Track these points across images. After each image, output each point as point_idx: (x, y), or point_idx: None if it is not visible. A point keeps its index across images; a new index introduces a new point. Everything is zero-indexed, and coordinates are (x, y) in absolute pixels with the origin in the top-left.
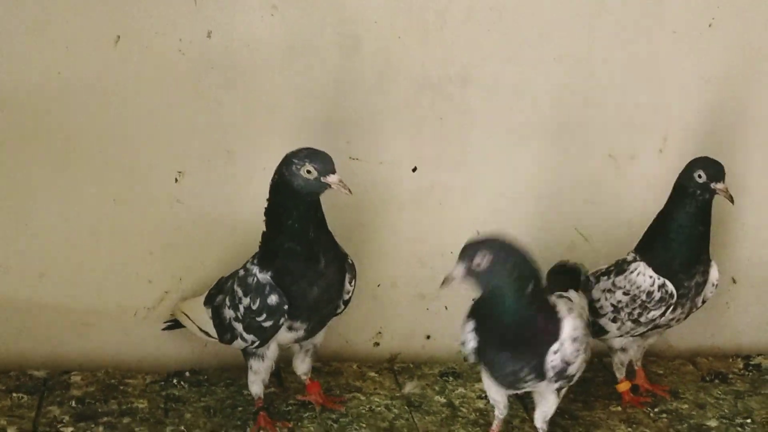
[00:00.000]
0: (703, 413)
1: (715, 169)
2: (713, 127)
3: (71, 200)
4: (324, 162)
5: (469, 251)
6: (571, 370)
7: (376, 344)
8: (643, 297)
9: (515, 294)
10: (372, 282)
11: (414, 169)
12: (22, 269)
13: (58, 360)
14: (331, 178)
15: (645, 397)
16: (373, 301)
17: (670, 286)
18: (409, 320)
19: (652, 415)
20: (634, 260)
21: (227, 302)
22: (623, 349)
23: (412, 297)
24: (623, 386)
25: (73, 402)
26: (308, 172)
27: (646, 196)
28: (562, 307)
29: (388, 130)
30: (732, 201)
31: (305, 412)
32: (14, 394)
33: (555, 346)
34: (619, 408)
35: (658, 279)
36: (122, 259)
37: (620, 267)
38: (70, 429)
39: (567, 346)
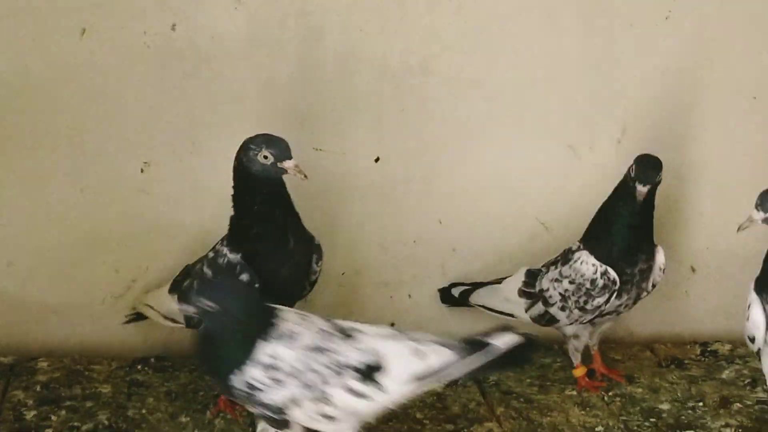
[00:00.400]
0: (656, 397)
1: (644, 170)
2: (670, 118)
3: (39, 190)
4: (280, 147)
5: None
6: None
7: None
8: (587, 285)
9: None
10: (337, 270)
11: (377, 160)
12: None
13: (26, 347)
14: (288, 164)
15: (600, 382)
16: (338, 288)
17: (613, 273)
18: (373, 308)
19: (606, 398)
20: (578, 249)
21: (195, 286)
22: (576, 336)
23: (376, 285)
24: (579, 371)
25: (38, 387)
26: (265, 157)
27: (605, 185)
28: None
29: (351, 120)
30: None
31: None
32: None
33: None
34: (575, 392)
35: (601, 266)
36: (89, 248)
37: (566, 256)
38: (33, 412)
39: None
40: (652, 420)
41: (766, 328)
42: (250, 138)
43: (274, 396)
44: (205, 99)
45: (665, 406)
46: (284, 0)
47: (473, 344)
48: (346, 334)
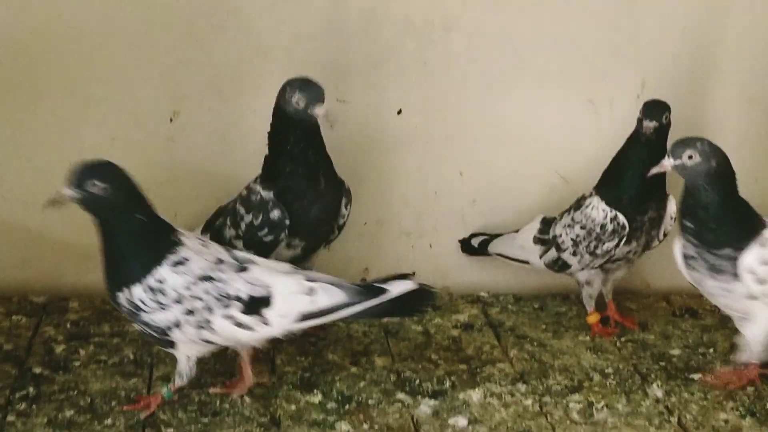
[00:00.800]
0: (668, 343)
1: (650, 107)
2: (689, 74)
3: (72, 137)
4: (312, 93)
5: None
6: None
7: (363, 280)
8: (598, 230)
9: None
10: (359, 220)
11: (399, 112)
12: (27, 202)
13: (58, 288)
14: (317, 110)
15: (614, 329)
16: (360, 238)
17: (622, 218)
18: (394, 257)
19: (618, 344)
20: (591, 195)
21: (228, 222)
22: (588, 283)
23: (397, 235)
24: (592, 318)
25: (68, 325)
26: (298, 102)
27: (624, 140)
28: None
29: (374, 74)
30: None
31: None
32: (14, 317)
33: None
34: (588, 338)
35: (611, 212)
36: None
37: (578, 203)
38: (63, 347)
39: None
40: (661, 363)
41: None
42: (291, 79)
43: (156, 318)
44: (232, 51)
45: (676, 352)
46: None
47: (368, 289)
48: (241, 266)
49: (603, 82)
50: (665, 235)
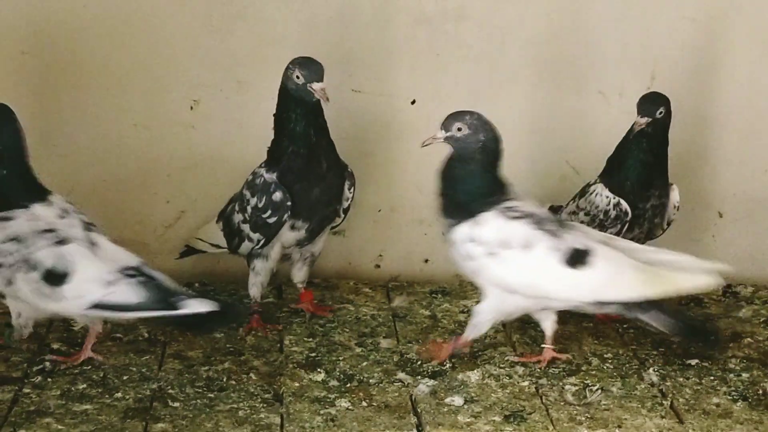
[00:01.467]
0: None
1: (643, 103)
2: (698, 65)
3: (96, 124)
4: (311, 70)
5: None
6: None
7: (377, 266)
8: (601, 216)
9: None
10: (373, 207)
11: (413, 102)
12: (52, 186)
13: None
14: (315, 86)
15: (616, 315)
16: (374, 225)
17: (625, 205)
18: (408, 244)
19: (620, 330)
20: (595, 183)
21: (236, 207)
22: None
23: (411, 222)
24: None
25: None
26: (297, 77)
27: None
28: None
29: (388, 63)
30: None
31: (296, 318)
32: None
33: None
34: (591, 324)
35: (614, 198)
36: (142, 180)
37: (583, 190)
38: (81, 325)
39: None
40: (661, 350)
41: None
42: (293, 59)
43: None
44: (249, 40)
45: (677, 339)
46: None
47: (173, 299)
48: (62, 240)
49: (613, 72)
50: (669, 224)
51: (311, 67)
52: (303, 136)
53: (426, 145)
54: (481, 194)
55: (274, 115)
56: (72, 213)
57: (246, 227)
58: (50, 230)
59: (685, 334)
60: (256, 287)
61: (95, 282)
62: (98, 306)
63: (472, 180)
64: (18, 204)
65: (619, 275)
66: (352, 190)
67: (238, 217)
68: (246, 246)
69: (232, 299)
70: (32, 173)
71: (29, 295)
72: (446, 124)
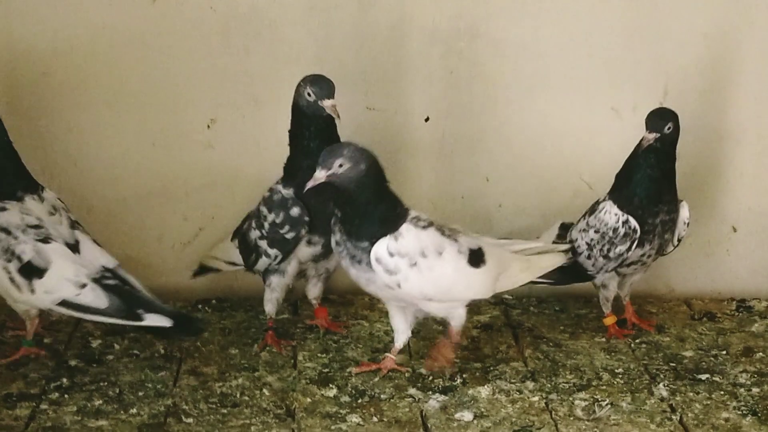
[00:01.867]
0: (682, 345)
1: (651, 118)
2: (711, 80)
3: (115, 143)
4: (321, 87)
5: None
6: None
7: None
8: (610, 233)
9: None
10: None
11: (427, 119)
12: (72, 204)
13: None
14: (326, 102)
15: (629, 330)
16: None
17: (633, 222)
18: None
19: (632, 345)
20: (604, 200)
21: (253, 224)
22: (604, 286)
23: None
24: (609, 320)
25: None
26: (309, 94)
27: None
28: None
29: (402, 82)
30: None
31: (310, 334)
32: None
33: None
34: (603, 339)
35: (623, 216)
36: (161, 198)
37: (593, 207)
38: (99, 341)
39: None
40: (672, 365)
41: None
42: (305, 76)
43: None
44: (266, 59)
45: (688, 354)
46: None
47: (137, 310)
48: (47, 239)
49: (626, 88)
50: (680, 239)
51: (322, 84)
52: (318, 152)
53: (309, 189)
54: (387, 213)
55: (289, 131)
56: (61, 210)
57: (263, 243)
58: (38, 226)
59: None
60: (271, 303)
61: (68, 282)
62: (66, 304)
63: (374, 204)
64: (14, 195)
65: (507, 268)
66: None
67: (254, 234)
68: (263, 262)
69: (248, 316)
70: (25, 167)
71: (4, 282)
72: (325, 163)
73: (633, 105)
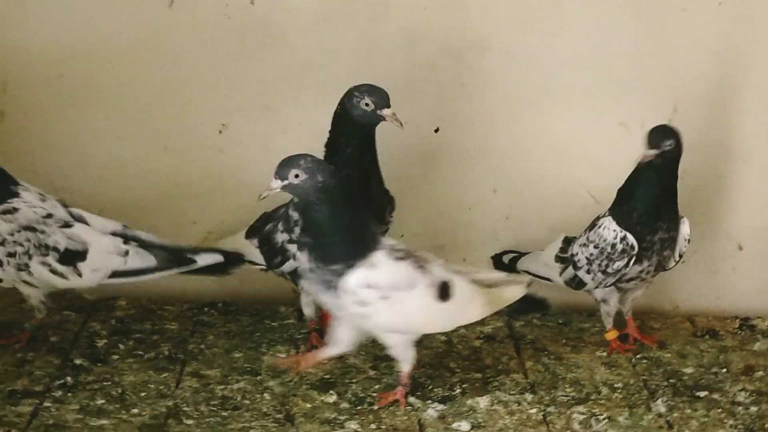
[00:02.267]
0: (683, 362)
1: (651, 134)
2: (720, 97)
3: (127, 146)
4: (381, 96)
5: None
6: None
7: None
8: (609, 249)
9: None
10: (397, 232)
11: (436, 130)
12: (83, 207)
13: (110, 288)
14: (386, 111)
15: (631, 345)
16: None
17: (631, 239)
18: None
19: (633, 360)
20: (605, 216)
21: (280, 227)
22: (605, 300)
23: (432, 248)
24: (610, 335)
25: (113, 321)
26: (366, 104)
27: None
28: None
29: (412, 92)
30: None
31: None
32: (65, 312)
33: None
34: (605, 354)
35: (621, 232)
36: (171, 200)
37: (593, 223)
38: (105, 341)
39: None
40: (671, 381)
41: None
42: (355, 86)
43: None
44: (277, 66)
45: (689, 370)
46: None
47: (179, 258)
48: (67, 224)
49: (634, 104)
50: (680, 256)
51: (381, 93)
52: (358, 161)
53: (263, 198)
54: (358, 232)
55: (328, 140)
56: (46, 195)
57: (292, 247)
58: (50, 214)
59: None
60: (309, 306)
61: (111, 254)
62: (118, 274)
63: (340, 221)
64: (10, 192)
65: (470, 302)
66: (392, 214)
67: (282, 237)
68: (290, 265)
69: (254, 320)
70: None
71: (47, 276)
72: (281, 173)
73: (641, 120)
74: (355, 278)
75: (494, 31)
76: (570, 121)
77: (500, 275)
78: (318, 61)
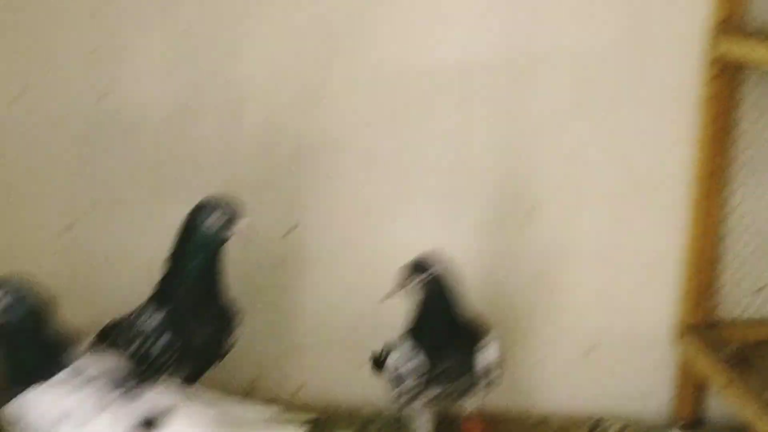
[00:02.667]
0: None
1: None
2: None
3: None
4: (232, 209)
5: None
6: None
7: None
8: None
9: None
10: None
11: (291, 229)
12: None
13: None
14: (237, 227)
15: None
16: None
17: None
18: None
19: None
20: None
21: (119, 341)
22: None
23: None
24: None
25: None
26: (216, 220)
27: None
28: None
29: (267, 192)
30: None
31: None
32: None
33: None
34: None
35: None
36: None
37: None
38: None
39: None
40: None
41: None
42: (206, 198)
43: None
44: (126, 165)
45: None
46: (207, 73)
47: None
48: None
49: (492, 208)
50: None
51: (231, 207)
52: (201, 277)
53: None
54: (40, 360)
55: (170, 254)
56: None
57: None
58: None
59: None
60: None
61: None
62: None
63: (28, 348)
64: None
65: None
66: (237, 329)
67: (121, 350)
68: None
69: None
70: None
71: None
72: None
73: (498, 223)
74: (22, 404)
75: (353, 132)
76: (427, 224)
77: (272, 410)
78: (170, 160)
